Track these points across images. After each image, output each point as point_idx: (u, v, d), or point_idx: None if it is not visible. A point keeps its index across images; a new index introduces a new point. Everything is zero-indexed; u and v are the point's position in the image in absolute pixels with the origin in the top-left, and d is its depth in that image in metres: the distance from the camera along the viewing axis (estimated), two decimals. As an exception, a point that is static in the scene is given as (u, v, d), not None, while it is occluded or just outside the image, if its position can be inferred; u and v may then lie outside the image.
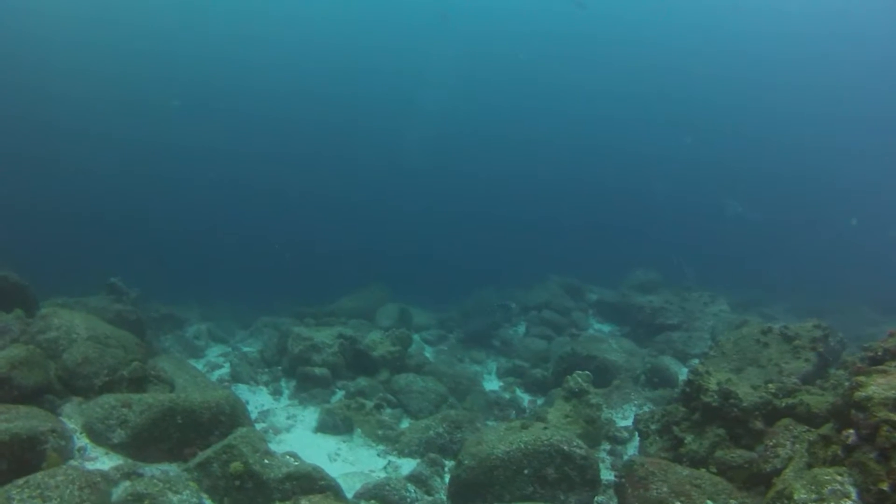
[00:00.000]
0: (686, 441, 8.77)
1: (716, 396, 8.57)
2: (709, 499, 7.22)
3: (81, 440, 8.56)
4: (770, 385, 8.89)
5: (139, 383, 9.85)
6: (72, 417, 9.03)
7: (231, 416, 9.10)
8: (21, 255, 15.09)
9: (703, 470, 7.89)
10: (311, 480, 7.72)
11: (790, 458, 7.33)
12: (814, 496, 5.67)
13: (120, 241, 28.22)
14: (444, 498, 8.89)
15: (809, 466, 6.45)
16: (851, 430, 6.03)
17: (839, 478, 5.71)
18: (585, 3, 37.63)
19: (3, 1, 43.22)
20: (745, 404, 8.37)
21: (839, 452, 6.10)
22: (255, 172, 41.46)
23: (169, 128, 43.28)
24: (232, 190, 39.35)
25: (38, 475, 6.37)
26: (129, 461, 8.13)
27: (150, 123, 42.85)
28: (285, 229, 35.38)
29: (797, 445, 7.61)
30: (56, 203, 33.04)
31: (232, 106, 47.25)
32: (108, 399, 8.95)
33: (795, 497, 5.76)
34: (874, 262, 30.30)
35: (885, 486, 5.47)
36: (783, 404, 8.40)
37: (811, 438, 6.86)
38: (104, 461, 8.14)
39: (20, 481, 6.23)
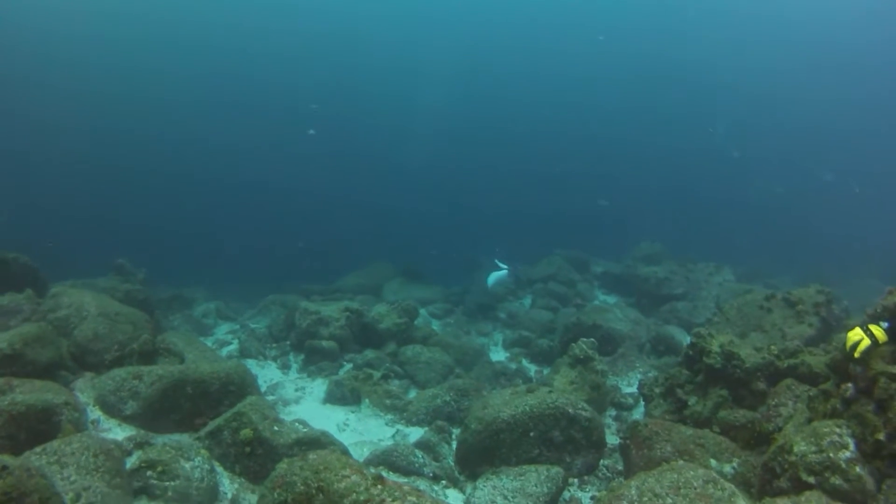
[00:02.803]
0: (690, 403, 8.88)
1: (718, 358, 8.67)
2: (712, 458, 7.33)
3: (95, 412, 8.71)
4: (772, 347, 8.96)
5: (149, 356, 9.98)
6: (84, 391, 9.18)
7: (240, 386, 9.24)
8: (31, 241, 15.24)
9: (707, 430, 7.99)
10: (321, 445, 7.84)
11: (792, 417, 7.42)
12: (813, 448, 5.77)
13: (126, 229, 28.52)
14: (452, 463, 9.02)
15: (809, 421, 6.56)
16: (850, 384, 6.14)
17: (837, 430, 5.82)
18: None
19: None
20: (747, 365, 8.47)
21: (838, 406, 6.21)
22: (251, 165, 42.01)
23: (177, 122, 43.68)
24: (226, 181, 39.94)
25: (55, 443, 6.50)
26: (142, 431, 8.28)
27: (158, 118, 43.24)
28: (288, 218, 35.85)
29: (799, 404, 7.69)
30: (64, 194, 33.40)
31: (232, 100, 47.56)
32: (120, 372, 9.10)
33: (795, 450, 5.87)
34: (883, 235, 30.21)
35: (881, 437, 5.60)
36: (785, 365, 8.48)
37: (811, 394, 6.97)
38: (117, 432, 8.28)
39: (38, 448, 6.37)
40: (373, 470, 5.34)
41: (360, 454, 8.97)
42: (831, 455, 5.62)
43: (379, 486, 5.03)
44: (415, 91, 47.14)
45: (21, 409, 7.20)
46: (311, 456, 5.47)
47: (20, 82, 40.34)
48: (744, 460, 7.29)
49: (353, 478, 5.09)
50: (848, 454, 5.59)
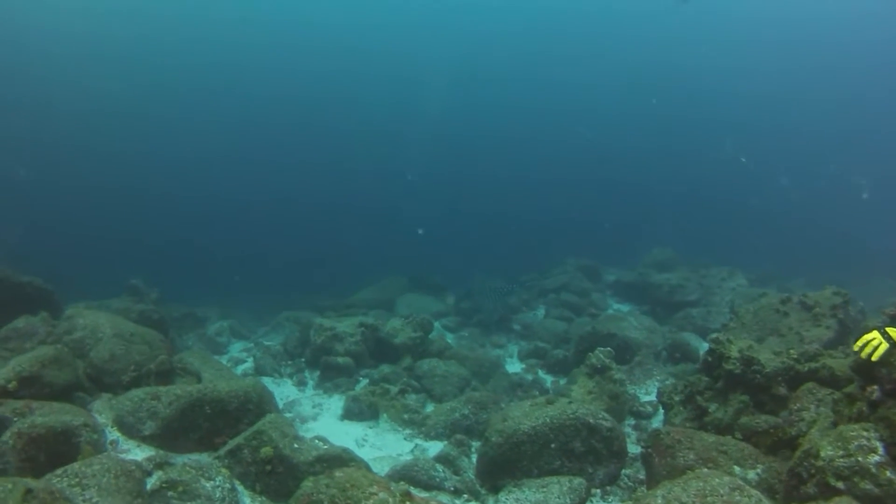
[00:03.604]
0: (710, 410, 8.81)
1: (738, 364, 8.61)
2: (735, 464, 7.26)
3: (113, 434, 8.72)
4: (791, 351, 8.90)
5: (166, 376, 10.01)
6: (102, 412, 9.18)
7: (258, 405, 9.22)
8: (44, 263, 15.27)
9: (729, 437, 7.93)
10: (342, 462, 7.81)
11: (815, 421, 7.36)
12: (840, 452, 5.70)
13: (134, 250, 28.60)
14: (473, 477, 8.97)
15: (835, 425, 6.49)
16: (875, 386, 6.08)
17: (865, 433, 5.75)
18: None
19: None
20: (767, 370, 8.41)
21: (864, 409, 6.15)
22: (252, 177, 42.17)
23: (178, 137, 43.93)
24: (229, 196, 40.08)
25: (76, 465, 6.51)
26: (161, 452, 8.27)
27: (160, 134, 43.51)
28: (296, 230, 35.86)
29: (821, 408, 7.63)
30: (74, 214, 33.56)
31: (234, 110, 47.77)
32: (137, 392, 9.12)
33: (822, 454, 5.80)
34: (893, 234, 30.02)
35: (911, 439, 5.53)
36: (806, 369, 8.41)
37: (836, 397, 6.91)
38: (136, 453, 8.29)
39: (59, 471, 6.37)
40: (399, 486, 5.33)
41: (379, 469, 8.92)
42: (860, 459, 5.56)
43: (407, 503, 5.01)
44: (419, 97, 47.27)
45: (41, 431, 7.22)
46: (338, 473, 5.45)
47: (27, 100, 40.65)
48: (767, 466, 7.21)
49: (381, 495, 5.06)
50: (877, 458, 5.52)
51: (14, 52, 42.55)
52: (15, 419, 7.70)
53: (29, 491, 4.78)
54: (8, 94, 39.82)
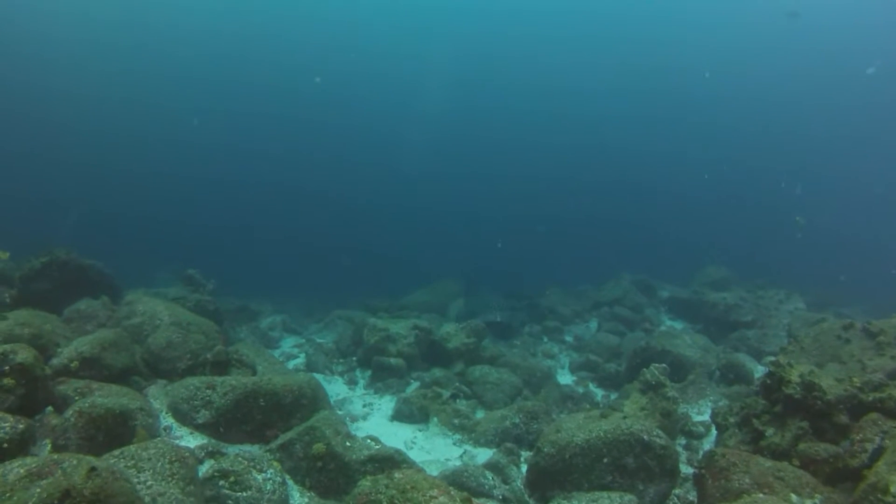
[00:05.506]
0: (767, 434, 8.60)
1: (798, 388, 8.39)
2: (792, 492, 7.07)
3: (167, 420, 8.82)
4: (854, 379, 8.65)
5: (222, 367, 10.09)
6: (157, 398, 9.29)
7: (312, 400, 9.27)
8: (104, 251, 15.55)
9: (786, 463, 7.73)
10: (394, 463, 7.82)
11: (883, 454, 7.14)
12: (911, 488, 5.53)
13: (193, 241, 29.04)
14: (521, 486, 8.89)
15: (904, 459, 6.29)
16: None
17: (938, 470, 5.57)
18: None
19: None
20: (829, 397, 8.18)
21: (939, 444, 5.95)
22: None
23: (242, 134, 44.49)
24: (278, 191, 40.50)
25: (132, 447, 6.57)
26: (213, 441, 8.35)
27: (229, 131, 44.18)
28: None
29: (887, 440, 7.40)
30: (136, 206, 34.25)
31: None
32: (193, 381, 9.22)
33: (892, 490, 5.63)
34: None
35: None
36: (870, 398, 8.15)
37: (905, 431, 6.70)
38: (189, 440, 8.38)
39: (116, 452, 6.45)
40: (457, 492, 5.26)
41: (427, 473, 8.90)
42: (933, 498, 5.38)
43: (467, 509, 4.96)
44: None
45: (100, 411, 7.34)
46: (397, 475, 5.41)
47: (82, 93, 41.53)
48: (826, 497, 7.01)
49: (441, 499, 5.01)
50: (953, 497, 5.34)
51: (65, 45, 43.49)
52: (76, 398, 7.86)
53: (93, 469, 4.84)
54: (72, 88, 40.76)
